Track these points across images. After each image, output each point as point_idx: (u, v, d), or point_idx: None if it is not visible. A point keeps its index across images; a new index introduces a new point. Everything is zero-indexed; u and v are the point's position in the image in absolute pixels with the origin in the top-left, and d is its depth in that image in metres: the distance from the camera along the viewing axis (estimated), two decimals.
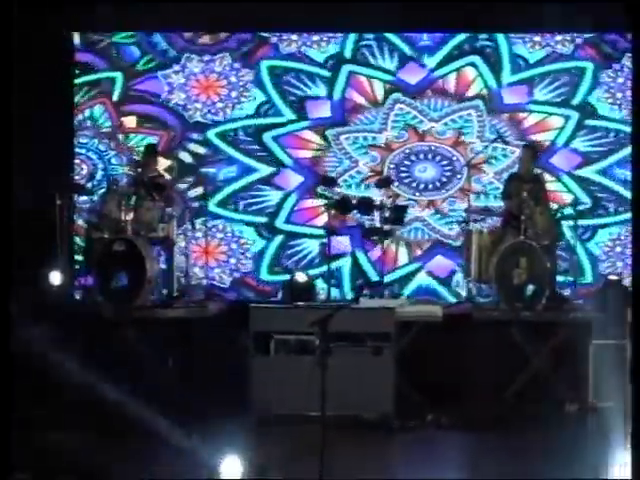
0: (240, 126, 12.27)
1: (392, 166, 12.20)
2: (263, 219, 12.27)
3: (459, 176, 12.12)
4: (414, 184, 12.22)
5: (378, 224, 11.52)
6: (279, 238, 12.25)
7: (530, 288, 10.27)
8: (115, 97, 12.27)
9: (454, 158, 12.16)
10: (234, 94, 12.25)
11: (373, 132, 12.24)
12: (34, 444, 3.05)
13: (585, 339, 9.91)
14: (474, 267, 10.75)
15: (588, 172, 12.10)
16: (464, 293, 11.42)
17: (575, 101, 12.13)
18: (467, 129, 12.15)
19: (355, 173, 12.24)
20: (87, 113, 12.28)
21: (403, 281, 12.14)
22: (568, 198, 11.97)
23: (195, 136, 12.29)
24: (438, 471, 8.11)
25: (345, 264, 12.18)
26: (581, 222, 11.39)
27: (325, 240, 11.53)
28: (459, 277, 11.83)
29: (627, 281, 10.92)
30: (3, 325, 4.40)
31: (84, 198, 11.79)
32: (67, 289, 10.82)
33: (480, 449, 8.60)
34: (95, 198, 11.50)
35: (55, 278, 10.46)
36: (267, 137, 12.26)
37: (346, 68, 12.24)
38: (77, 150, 12.26)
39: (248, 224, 12.26)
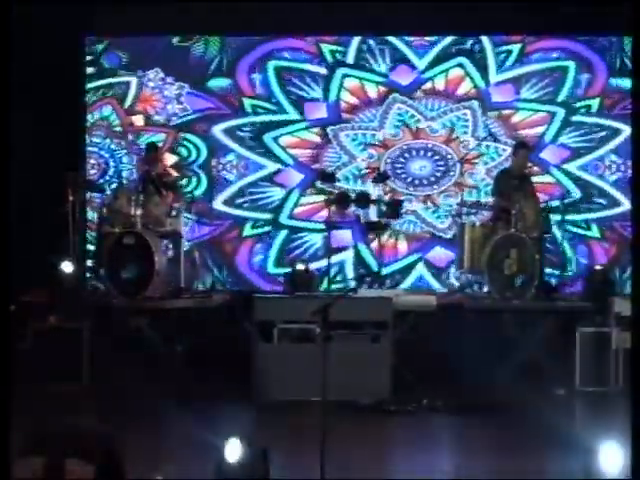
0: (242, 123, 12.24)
1: (389, 162, 12.15)
2: (268, 215, 12.22)
3: (452, 172, 12.10)
4: (409, 180, 12.18)
5: (375, 218, 11.50)
6: (283, 232, 12.21)
7: (520, 278, 10.26)
8: (128, 100, 12.26)
9: (448, 156, 12.12)
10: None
11: (372, 130, 12.18)
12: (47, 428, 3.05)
13: (572, 326, 9.91)
14: (467, 259, 10.73)
15: (572, 167, 12.07)
16: (457, 283, 11.40)
17: (560, 98, 12.07)
18: (462, 128, 12.09)
19: (354, 168, 12.20)
20: (97, 114, 12.25)
21: (404, 272, 12.10)
22: (558, 190, 11.94)
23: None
24: (433, 453, 8.10)
25: (348, 257, 12.12)
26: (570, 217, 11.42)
27: (327, 234, 11.60)
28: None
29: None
30: (3, 324, 4.36)
31: (96, 194, 11.76)
32: (80, 280, 10.79)
33: (473, 432, 8.58)
34: (107, 194, 11.48)
35: (68, 270, 10.44)
36: (268, 138, 12.22)
37: (340, 71, 12.20)
38: (89, 149, 12.24)
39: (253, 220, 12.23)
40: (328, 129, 12.19)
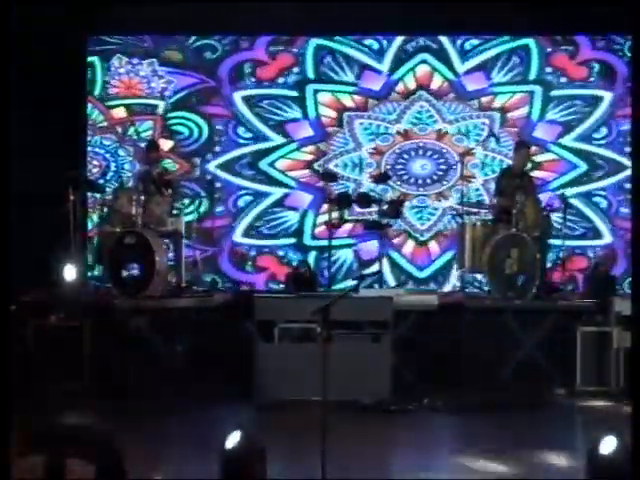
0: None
1: (393, 155, 12.13)
2: (291, 240, 12.15)
3: (454, 167, 12.05)
4: (411, 179, 12.16)
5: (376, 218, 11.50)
6: (313, 254, 12.13)
7: (521, 278, 10.26)
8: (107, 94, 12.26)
9: (444, 152, 12.10)
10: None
11: (388, 122, 12.10)
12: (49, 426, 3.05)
13: (573, 326, 9.91)
14: (467, 258, 10.73)
15: (568, 141, 12.04)
16: (458, 283, 11.40)
17: (531, 76, 12.03)
18: (476, 136, 12.06)
19: (356, 157, 12.17)
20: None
21: (442, 272, 12.05)
22: (563, 166, 11.96)
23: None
24: (433, 453, 8.11)
25: (384, 266, 11.94)
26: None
27: (356, 248, 11.89)
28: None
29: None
30: (3, 324, 4.36)
31: (96, 194, 11.78)
32: (81, 280, 10.80)
33: (474, 431, 8.59)
34: (107, 194, 11.48)
35: (69, 270, 10.45)
36: (264, 164, 12.17)
37: (311, 87, 12.14)
38: (92, 149, 12.22)
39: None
40: (344, 114, 12.13)
